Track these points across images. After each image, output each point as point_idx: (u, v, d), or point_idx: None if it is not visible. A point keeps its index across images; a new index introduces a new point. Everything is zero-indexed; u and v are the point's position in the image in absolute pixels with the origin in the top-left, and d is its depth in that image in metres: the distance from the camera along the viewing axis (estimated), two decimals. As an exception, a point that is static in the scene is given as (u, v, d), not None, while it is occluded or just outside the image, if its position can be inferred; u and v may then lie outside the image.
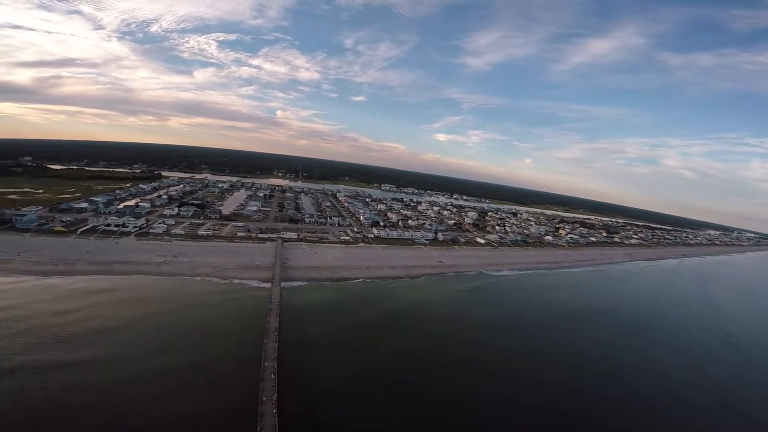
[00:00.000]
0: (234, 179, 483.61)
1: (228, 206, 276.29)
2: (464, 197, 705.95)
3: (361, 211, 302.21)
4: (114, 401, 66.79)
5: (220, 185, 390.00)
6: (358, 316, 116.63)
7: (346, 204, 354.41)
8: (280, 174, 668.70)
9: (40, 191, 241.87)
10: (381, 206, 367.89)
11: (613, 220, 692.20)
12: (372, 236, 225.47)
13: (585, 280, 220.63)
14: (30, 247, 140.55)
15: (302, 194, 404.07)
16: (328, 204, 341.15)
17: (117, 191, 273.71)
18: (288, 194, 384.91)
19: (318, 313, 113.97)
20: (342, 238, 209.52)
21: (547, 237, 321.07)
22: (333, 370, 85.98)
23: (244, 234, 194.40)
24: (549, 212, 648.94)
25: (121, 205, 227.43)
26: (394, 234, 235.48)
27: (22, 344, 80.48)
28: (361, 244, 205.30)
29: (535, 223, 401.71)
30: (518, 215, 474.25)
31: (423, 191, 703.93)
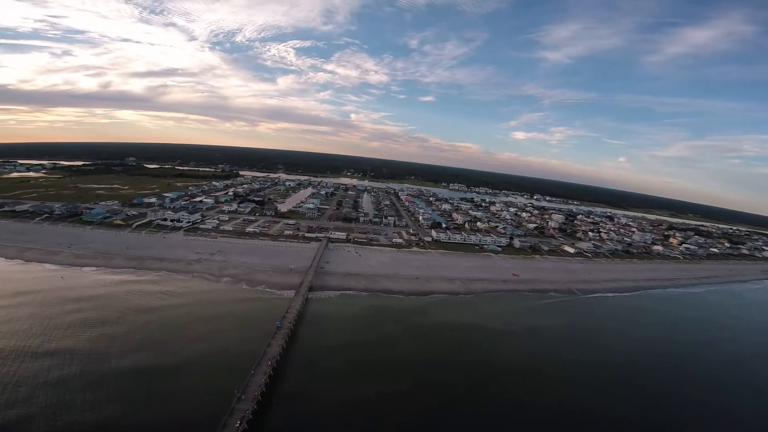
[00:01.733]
0: (303, 178, 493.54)
1: (288, 203, 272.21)
2: (547, 198, 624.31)
3: (421, 210, 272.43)
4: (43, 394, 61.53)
5: (287, 183, 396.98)
6: (389, 342, 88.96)
7: (406, 203, 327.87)
8: (349, 173, 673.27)
9: (126, 187, 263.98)
10: (446, 206, 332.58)
11: (733, 227, 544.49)
12: (429, 240, 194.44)
13: (712, 303, 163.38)
14: (84, 239, 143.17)
15: (364, 192, 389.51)
16: (387, 202, 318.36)
17: (190, 188, 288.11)
18: (350, 192, 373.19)
19: (339, 334, 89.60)
20: (394, 240, 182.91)
21: (655, 247, 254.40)
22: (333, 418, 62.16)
23: (291, 233, 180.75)
24: (652, 217, 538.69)
25: (187, 201, 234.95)
26: (458, 238, 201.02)
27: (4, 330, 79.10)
28: (415, 249, 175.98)
29: (638, 230, 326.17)
30: (615, 219, 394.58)
31: (498, 191, 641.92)
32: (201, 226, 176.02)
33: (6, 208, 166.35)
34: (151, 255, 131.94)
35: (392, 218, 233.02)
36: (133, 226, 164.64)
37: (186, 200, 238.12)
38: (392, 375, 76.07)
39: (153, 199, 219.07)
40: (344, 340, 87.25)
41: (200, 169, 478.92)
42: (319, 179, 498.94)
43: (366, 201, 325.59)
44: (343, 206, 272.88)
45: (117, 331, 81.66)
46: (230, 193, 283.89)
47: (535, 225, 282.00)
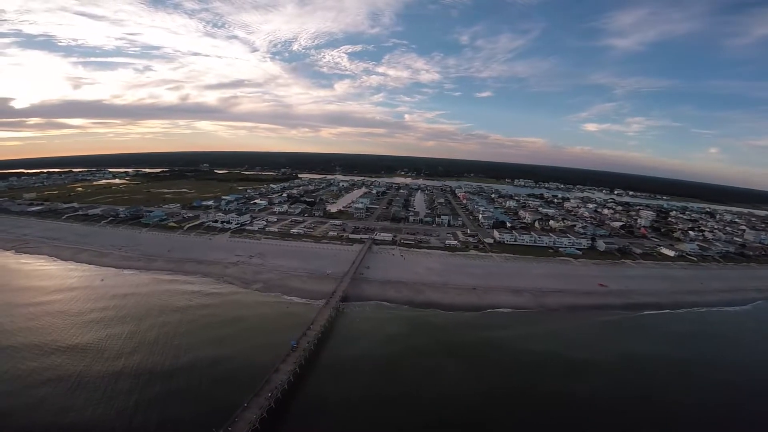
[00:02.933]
0: (358, 179, 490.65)
1: (339, 203, 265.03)
2: (630, 193, 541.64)
3: (480, 208, 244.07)
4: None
5: (341, 184, 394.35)
6: (429, 373, 69.47)
7: (464, 201, 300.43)
8: (403, 173, 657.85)
9: (192, 191, 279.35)
10: (511, 203, 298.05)
11: None
12: (491, 241, 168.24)
13: None
14: (137, 241, 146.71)
15: (417, 191, 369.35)
16: (442, 200, 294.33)
17: (248, 190, 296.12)
18: (402, 191, 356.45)
19: (367, 358, 72.83)
20: (447, 242, 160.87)
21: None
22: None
23: (336, 234, 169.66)
24: (761, 213, 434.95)
25: (242, 203, 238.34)
26: (526, 239, 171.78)
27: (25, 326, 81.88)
28: (473, 252, 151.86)
29: (749, 227, 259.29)
30: (717, 216, 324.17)
31: (571, 186, 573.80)
32: (248, 227, 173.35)
33: (80, 212, 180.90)
34: (192, 257, 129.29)
35: (446, 217, 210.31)
36: (185, 228, 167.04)
37: (242, 202, 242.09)
38: (426, 422, 56.78)
39: (210, 202, 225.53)
40: (371, 366, 70.49)
41: (262, 173, 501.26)
42: (373, 179, 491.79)
43: (419, 199, 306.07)
44: (392, 205, 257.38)
45: (119, 335, 79.69)
46: (284, 195, 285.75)
47: (621, 223, 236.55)
